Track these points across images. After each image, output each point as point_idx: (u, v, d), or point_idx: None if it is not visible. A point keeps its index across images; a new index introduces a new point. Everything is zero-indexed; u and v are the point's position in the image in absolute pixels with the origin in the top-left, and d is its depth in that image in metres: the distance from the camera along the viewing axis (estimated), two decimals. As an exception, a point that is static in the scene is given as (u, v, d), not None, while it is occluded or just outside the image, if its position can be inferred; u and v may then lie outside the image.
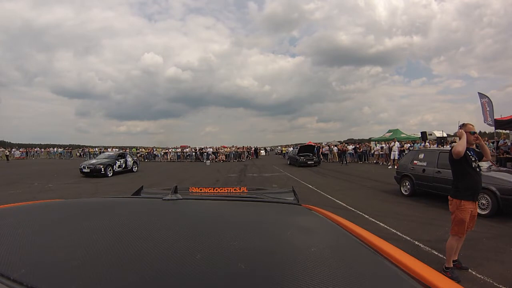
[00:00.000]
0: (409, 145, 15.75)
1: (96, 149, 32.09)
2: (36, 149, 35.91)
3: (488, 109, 12.08)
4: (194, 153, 26.28)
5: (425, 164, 6.36)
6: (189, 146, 32.76)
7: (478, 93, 12.69)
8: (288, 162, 19.89)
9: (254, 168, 16.69)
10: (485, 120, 12.17)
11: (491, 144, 11.91)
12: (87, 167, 12.18)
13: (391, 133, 22.87)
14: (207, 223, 0.83)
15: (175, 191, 1.11)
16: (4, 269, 0.48)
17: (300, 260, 0.56)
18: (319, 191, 7.97)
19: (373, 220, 4.77)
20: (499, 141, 12.02)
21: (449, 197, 2.79)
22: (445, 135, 19.93)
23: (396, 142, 15.33)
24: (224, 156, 24.97)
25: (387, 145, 16.70)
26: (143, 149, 30.40)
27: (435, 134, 21.51)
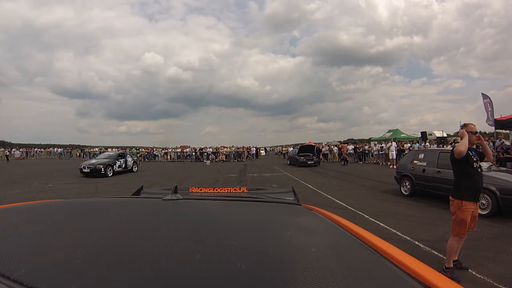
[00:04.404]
0: (409, 145, 15.80)
1: (96, 149, 32.02)
2: (36, 149, 35.92)
3: (489, 109, 12.14)
4: (194, 153, 26.29)
5: (425, 164, 6.36)
6: (189, 146, 32.70)
7: (482, 94, 12.77)
8: (288, 162, 19.89)
9: (254, 168, 16.69)
10: (487, 120, 12.22)
11: (491, 143, 11.91)
12: (87, 167, 12.18)
13: (391, 133, 22.90)
14: (207, 223, 0.83)
15: (175, 191, 1.11)
16: (4, 269, 0.48)
17: (300, 260, 0.56)
18: (319, 191, 7.97)
19: (373, 220, 4.77)
20: (494, 141, 12.02)
21: (450, 197, 2.79)
22: (445, 135, 19.98)
23: (393, 143, 15.44)
24: (224, 156, 24.98)
25: (387, 145, 16.79)
26: (143, 149, 30.45)
27: (435, 134, 21.56)
